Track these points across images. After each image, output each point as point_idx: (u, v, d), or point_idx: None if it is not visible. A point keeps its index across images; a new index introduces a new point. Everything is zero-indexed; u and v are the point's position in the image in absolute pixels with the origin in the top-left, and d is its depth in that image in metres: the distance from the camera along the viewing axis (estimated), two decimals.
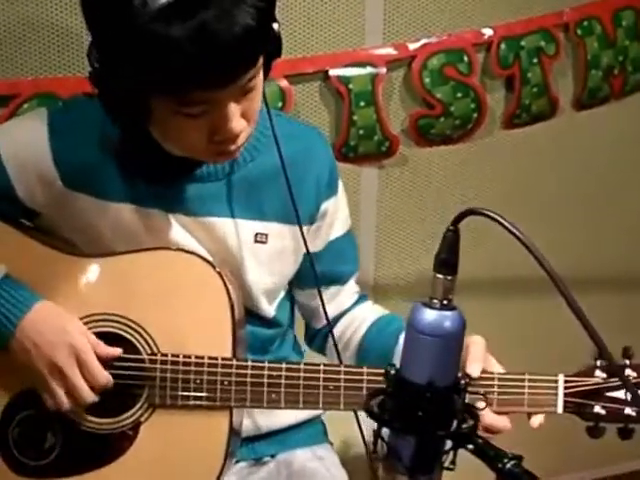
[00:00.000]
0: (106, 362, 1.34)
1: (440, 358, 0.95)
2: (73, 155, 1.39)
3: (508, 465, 0.90)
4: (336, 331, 1.59)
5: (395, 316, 1.60)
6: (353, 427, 1.41)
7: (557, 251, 2.33)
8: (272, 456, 1.59)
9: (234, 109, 1.24)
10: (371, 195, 2.14)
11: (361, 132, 2.01)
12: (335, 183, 1.56)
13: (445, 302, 0.95)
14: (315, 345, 1.67)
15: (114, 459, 1.36)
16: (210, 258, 1.40)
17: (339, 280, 1.61)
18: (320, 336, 1.64)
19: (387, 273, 2.21)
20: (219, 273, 1.38)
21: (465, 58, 2.05)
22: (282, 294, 1.58)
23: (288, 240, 1.50)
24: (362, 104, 1.99)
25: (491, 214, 0.92)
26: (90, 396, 1.32)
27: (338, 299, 1.61)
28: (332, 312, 1.59)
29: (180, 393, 1.35)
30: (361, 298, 1.64)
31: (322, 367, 1.36)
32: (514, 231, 0.91)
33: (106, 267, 1.40)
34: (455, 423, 0.94)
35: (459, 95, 2.06)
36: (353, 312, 1.61)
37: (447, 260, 0.95)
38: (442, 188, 2.21)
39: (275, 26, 1.28)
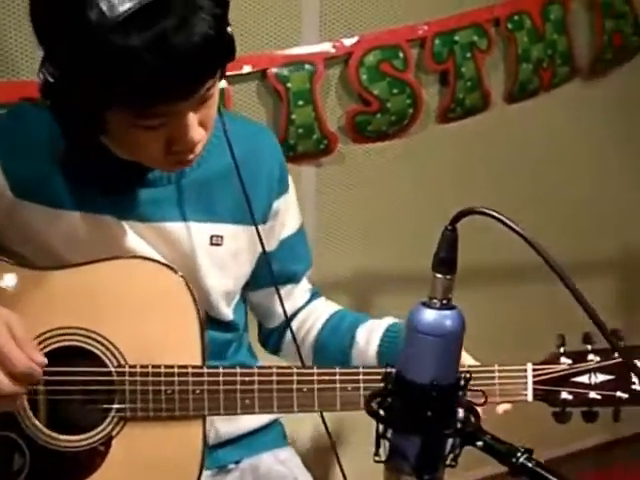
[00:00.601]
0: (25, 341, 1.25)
1: (442, 357, 0.94)
2: (21, 163, 1.34)
3: (521, 459, 0.90)
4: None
5: (347, 311, 1.61)
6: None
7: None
8: (236, 462, 1.56)
9: (193, 119, 1.23)
10: (310, 193, 2.14)
11: (300, 131, 1.99)
12: (286, 180, 1.55)
13: (445, 301, 0.94)
14: (270, 345, 1.66)
15: (86, 476, 1.30)
16: (171, 264, 1.36)
17: (293, 278, 1.60)
18: (275, 335, 1.63)
19: (327, 270, 2.21)
20: (183, 278, 1.35)
21: (400, 54, 2.06)
22: (238, 296, 1.56)
23: (243, 241, 1.49)
24: (300, 103, 1.98)
25: (491, 213, 0.92)
26: (7, 385, 1.22)
27: (292, 297, 1.60)
28: (288, 310, 1.58)
29: (151, 405, 1.31)
30: (314, 295, 1.64)
31: (295, 369, 1.34)
32: (517, 229, 0.91)
33: (63, 279, 1.34)
34: (460, 421, 0.94)
35: (395, 91, 2.07)
36: (307, 309, 1.61)
37: (446, 259, 0.95)
38: (379, 184, 2.21)
39: (229, 29, 1.26)
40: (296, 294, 1.61)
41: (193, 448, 1.33)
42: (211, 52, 1.16)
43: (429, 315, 0.94)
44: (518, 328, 2.51)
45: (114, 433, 1.32)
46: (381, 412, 0.96)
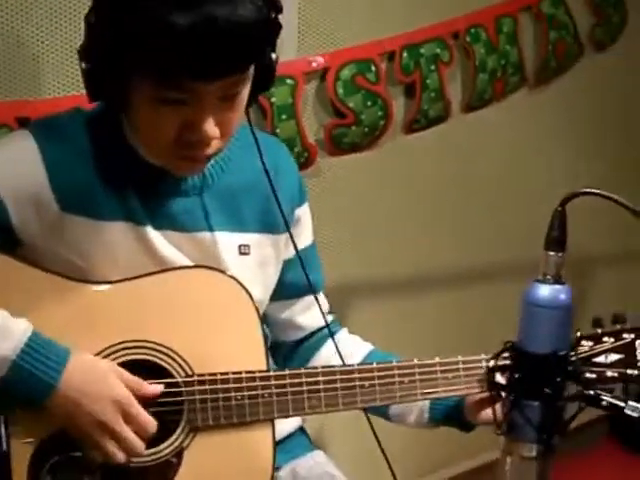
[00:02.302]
0: (147, 402, 1.28)
1: (560, 328, 1.01)
2: (68, 174, 1.33)
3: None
4: (320, 359, 1.58)
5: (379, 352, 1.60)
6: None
7: (458, 242, 2.51)
8: (276, 469, 1.57)
9: (211, 112, 1.24)
10: None
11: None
12: (304, 190, 1.58)
13: (557, 277, 1.01)
14: (299, 357, 1.62)
15: None
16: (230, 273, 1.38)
17: (310, 289, 1.61)
18: (305, 348, 1.62)
19: None
20: (241, 285, 1.36)
21: (372, 67, 2.12)
22: (264, 307, 1.57)
23: (268, 249, 1.50)
24: (284, 117, 2.01)
25: (601, 193, 1.00)
26: (141, 446, 1.27)
27: (313, 310, 1.58)
28: (308, 323, 1.60)
29: (222, 412, 1.31)
30: (336, 323, 1.64)
31: (356, 367, 1.38)
32: (630, 206, 0.98)
33: (125, 292, 1.33)
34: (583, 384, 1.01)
35: (369, 103, 2.13)
36: (332, 343, 1.53)
37: (558, 238, 1.01)
38: (355, 195, 2.27)
39: (273, 56, 1.30)
40: (316, 308, 1.57)
41: (265, 452, 1.35)
42: (247, 40, 1.18)
43: (545, 290, 1.01)
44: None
45: (185, 444, 1.31)
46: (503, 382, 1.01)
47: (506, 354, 1.06)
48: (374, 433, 1.44)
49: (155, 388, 1.30)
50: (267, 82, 1.36)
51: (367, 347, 1.61)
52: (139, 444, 1.27)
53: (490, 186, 2.56)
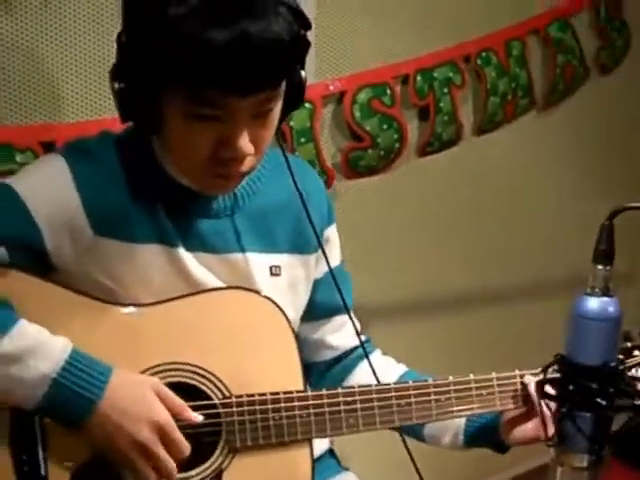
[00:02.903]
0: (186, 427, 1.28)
1: (609, 340, 1.03)
2: (101, 197, 1.33)
3: None
4: (354, 380, 1.57)
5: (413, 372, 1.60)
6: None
7: (470, 263, 2.54)
8: None
9: (245, 128, 1.25)
10: None
11: None
12: (332, 210, 1.59)
13: (605, 290, 1.03)
14: (333, 377, 1.61)
15: None
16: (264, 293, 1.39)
17: (341, 309, 1.59)
18: (338, 368, 1.60)
19: None
20: (279, 308, 1.37)
21: (388, 91, 2.15)
22: (296, 327, 1.57)
23: (299, 270, 1.51)
24: (302, 140, 2.04)
25: None
26: (175, 470, 1.26)
27: (345, 330, 1.59)
28: (340, 343, 1.60)
29: (261, 433, 1.32)
30: (368, 342, 1.63)
31: (392, 385, 1.39)
32: None
33: (159, 315, 1.33)
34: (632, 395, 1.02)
35: (385, 127, 2.16)
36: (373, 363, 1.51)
37: (606, 251, 1.03)
38: (369, 216, 2.29)
39: (302, 73, 1.32)
40: (348, 328, 1.58)
41: (304, 471, 1.35)
42: (279, 56, 1.20)
43: (594, 303, 1.03)
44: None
45: (224, 466, 1.31)
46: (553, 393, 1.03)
47: (553, 367, 1.07)
48: (408, 451, 1.44)
49: (197, 417, 1.29)
50: (297, 100, 1.36)
51: (402, 368, 1.61)
52: (174, 468, 1.26)
53: (501, 207, 2.60)
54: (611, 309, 1.03)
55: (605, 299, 1.03)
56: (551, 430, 1.05)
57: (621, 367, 1.04)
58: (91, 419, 1.23)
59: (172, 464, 1.26)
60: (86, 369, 1.23)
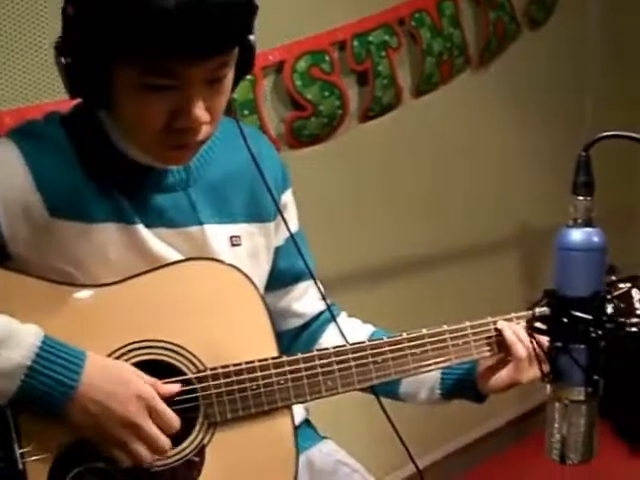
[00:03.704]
0: (167, 401, 1.25)
1: (596, 269, 1.03)
2: (55, 179, 1.28)
3: None
4: (325, 344, 1.55)
5: (381, 331, 1.59)
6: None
7: (421, 223, 2.54)
8: None
9: (200, 96, 1.22)
10: None
11: None
12: (288, 176, 1.57)
13: (587, 221, 1.03)
14: (301, 346, 1.59)
15: None
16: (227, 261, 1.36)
17: (304, 275, 1.58)
18: (306, 335, 1.59)
19: None
20: (245, 275, 1.34)
21: (326, 57, 2.14)
22: None
23: (259, 238, 1.48)
24: (246, 112, 2.01)
25: (623, 134, 1.02)
26: (167, 443, 1.24)
27: (310, 296, 1.58)
28: (306, 309, 1.58)
29: (239, 404, 1.29)
30: (334, 306, 1.62)
31: (367, 343, 1.37)
32: None
33: (121, 293, 1.29)
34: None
35: (326, 94, 2.14)
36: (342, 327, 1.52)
37: (586, 182, 1.03)
38: (317, 187, 2.27)
39: (252, 37, 1.30)
40: (312, 293, 1.58)
41: (286, 439, 1.33)
42: (232, 20, 1.17)
43: (578, 235, 1.03)
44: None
45: (206, 441, 1.29)
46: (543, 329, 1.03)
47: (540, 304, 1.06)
48: (384, 411, 1.43)
49: (173, 386, 1.27)
50: (249, 65, 1.34)
51: (369, 328, 1.61)
52: (166, 441, 1.24)
53: (447, 166, 2.60)
54: (596, 239, 1.03)
55: (589, 229, 1.03)
56: (546, 367, 1.05)
57: (609, 297, 1.04)
58: (72, 404, 1.19)
59: (164, 438, 1.23)
60: (61, 354, 1.20)
